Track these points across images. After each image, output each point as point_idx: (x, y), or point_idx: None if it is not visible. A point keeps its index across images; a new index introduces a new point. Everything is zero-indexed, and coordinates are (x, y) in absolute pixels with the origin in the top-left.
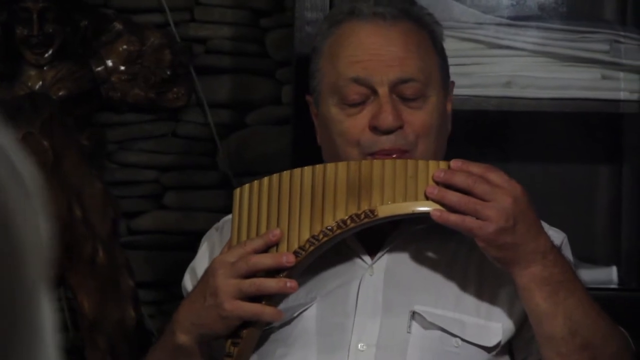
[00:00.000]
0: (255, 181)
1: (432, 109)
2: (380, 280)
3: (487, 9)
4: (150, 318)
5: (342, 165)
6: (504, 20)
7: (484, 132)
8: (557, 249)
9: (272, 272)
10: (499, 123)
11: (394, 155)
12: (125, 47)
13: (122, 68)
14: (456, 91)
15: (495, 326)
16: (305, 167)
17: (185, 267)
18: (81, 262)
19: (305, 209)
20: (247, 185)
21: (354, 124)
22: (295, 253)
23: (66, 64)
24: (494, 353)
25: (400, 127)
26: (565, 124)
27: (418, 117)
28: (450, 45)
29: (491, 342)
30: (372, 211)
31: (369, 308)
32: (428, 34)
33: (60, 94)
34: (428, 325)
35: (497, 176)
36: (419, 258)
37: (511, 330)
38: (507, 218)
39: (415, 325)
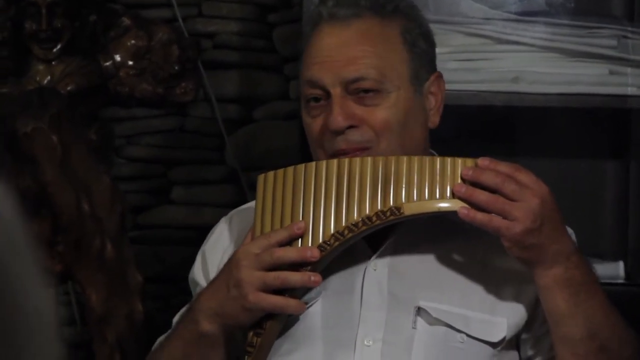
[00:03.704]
0: (280, 169)
1: (392, 105)
2: (384, 275)
3: (494, 5)
4: (157, 312)
5: (367, 160)
6: (512, 16)
7: (490, 127)
8: (579, 251)
9: (296, 265)
10: (505, 118)
11: (356, 154)
12: (133, 42)
13: (130, 63)
14: (463, 86)
15: (500, 321)
16: (331, 160)
17: (192, 261)
18: (89, 256)
19: (330, 203)
20: (271, 173)
21: (316, 126)
22: (320, 247)
23: (74, 59)
24: (499, 349)
25: (354, 126)
26: (572, 119)
27: (375, 115)
28: (457, 41)
29: (496, 338)
30: (398, 208)
31: (374, 303)
32: (397, 27)
33: (69, 88)
34: (433, 321)
35: (525, 176)
36: (423, 252)
37: (517, 326)
38: (535, 219)
39: (420, 321)
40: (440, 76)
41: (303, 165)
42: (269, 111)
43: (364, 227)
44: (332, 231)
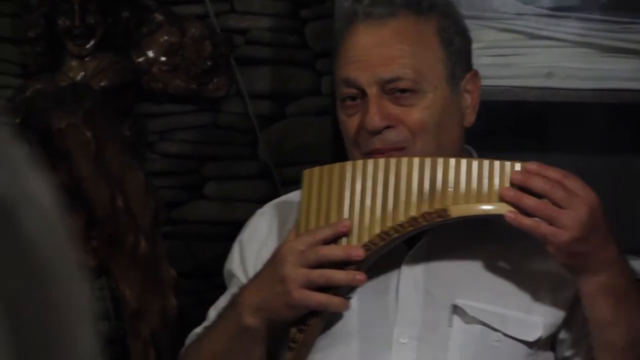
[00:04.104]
0: (326, 165)
1: (428, 105)
2: (420, 273)
3: (527, 0)
4: (190, 308)
5: (416, 160)
6: (544, 11)
7: (523, 123)
8: (625, 259)
9: (340, 263)
10: (538, 114)
11: (391, 153)
12: (166, 38)
13: (163, 59)
14: (496, 82)
15: (536, 321)
16: (380, 159)
17: (225, 256)
18: (123, 252)
19: (376, 202)
20: (317, 168)
21: (351, 125)
22: (365, 247)
23: (108, 55)
24: (534, 348)
25: (390, 127)
26: (605, 115)
27: (411, 115)
28: (490, 36)
29: (532, 337)
30: (444, 210)
31: (409, 301)
32: (433, 26)
33: (102, 84)
34: (469, 319)
35: (574, 183)
36: (459, 250)
37: (553, 326)
38: (583, 228)
39: (456, 319)
40: (476, 74)
41: (349, 162)
42: (301, 107)
43: (411, 228)
44: (377, 231)
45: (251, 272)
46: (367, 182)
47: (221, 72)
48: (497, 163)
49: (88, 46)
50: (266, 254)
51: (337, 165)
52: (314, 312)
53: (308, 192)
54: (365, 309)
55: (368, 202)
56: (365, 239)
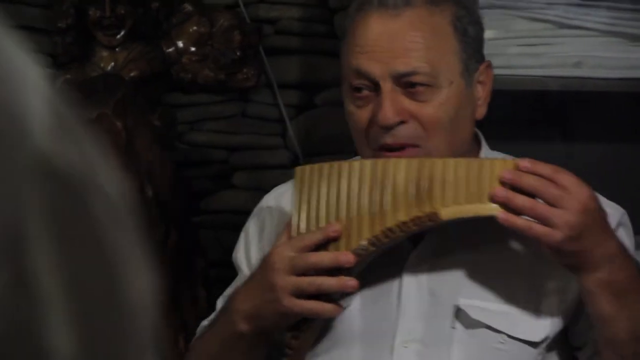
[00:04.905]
0: (317, 164)
1: (444, 101)
2: (424, 272)
3: None
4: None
5: (403, 162)
6: (574, 0)
7: (551, 113)
8: (625, 252)
9: (331, 269)
10: (565, 103)
11: (403, 150)
12: (195, 28)
13: (193, 49)
14: (525, 71)
15: (543, 319)
16: (367, 160)
17: None
18: (154, 242)
19: (366, 206)
20: (308, 166)
21: (362, 117)
22: (355, 253)
23: (138, 46)
24: (540, 349)
25: (404, 122)
26: (633, 104)
27: (426, 111)
28: (519, 26)
29: (538, 337)
30: (434, 214)
31: (412, 302)
32: (448, 16)
33: (132, 74)
34: (472, 321)
35: (566, 179)
36: (465, 248)
37: (562, 322)
38: (576, 226)
39: (459, 321)
40: (489, 65)
41: (338, 163)
42: (330, 97)
43: (401, 233)
44: (368, 236)
45: (255, 264)
46: (355, 185)
47: (250, 62)
48: (486, 162)
49: (118, 36)
50: (268, 248)
51: (327, 165)
52: (308, 318)
53: (300, 191)
54: (367, 312)
55: (358, 205)
56: (356, 244)
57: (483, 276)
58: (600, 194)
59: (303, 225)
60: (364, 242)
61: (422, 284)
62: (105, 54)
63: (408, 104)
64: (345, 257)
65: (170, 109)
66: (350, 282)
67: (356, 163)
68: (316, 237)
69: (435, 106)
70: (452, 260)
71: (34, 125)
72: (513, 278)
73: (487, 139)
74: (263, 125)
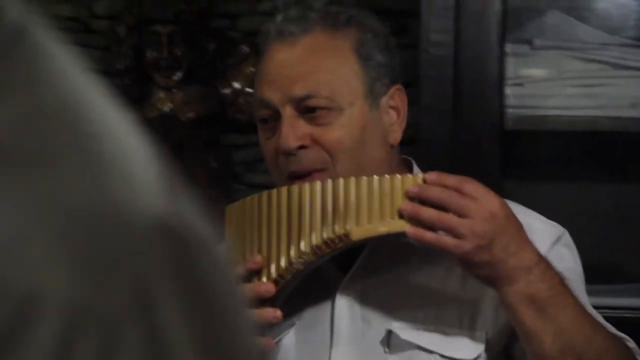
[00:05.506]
0: (242, 199)
1: (345, 123)
2: (355, 300)
3: (612, 30)
4: None
5: (316, 185)
6: (629, 41)
7: (605, 153)
8: (545, 262)
9: (258, 302)
10: (619, 144)
11: (313, 176)
12: (251, 69)
13: (249, 90)
14: (580, 112)
15: (479, 336)
16: (282, 188)
17: None
18: None
19: (283, 234)
20: (236, 203)
21: (270, 147)
22: (275, 282)
23: (194, 87)
24: None
25: (305, 147)
26: None
27: (328, 134)
28: (575, 66)
29: (471, 355)
30: (346, 235)
31: (345, 330)
32: (350, 40)
33: (189, 115)
34: (404, 343)
35: (472, 188)
36: (395, 271)
37: (499, 337)
38: (483, 236)
39: (392, 345)
40: (400, 89)
41: (260, 194)
42: None
43: (315, 257)
44: (285, 264)
45: None
46: (273, 213)
47: None
48: (397, 178)
49: (175, 78)
50: None
51: (249, 199)
52: None
53: (229, 228)
54: (302, 342)
55: (275, 234)
56: (275, 273)
57: (414, 297)
58: None
59: (234, 262)
60: (282, 270)
61: (355, 309)
62: (162, 95)
63: (309, 129)
64: (265, 287)
65: (227, 149)
66: (275, 312)
67: (274, 191)
68: (239, 271)
69: (336, 129)
70: (383, 283)
71: (148, 189)
72: (444, 296)
73: (540, 179)
74: None
